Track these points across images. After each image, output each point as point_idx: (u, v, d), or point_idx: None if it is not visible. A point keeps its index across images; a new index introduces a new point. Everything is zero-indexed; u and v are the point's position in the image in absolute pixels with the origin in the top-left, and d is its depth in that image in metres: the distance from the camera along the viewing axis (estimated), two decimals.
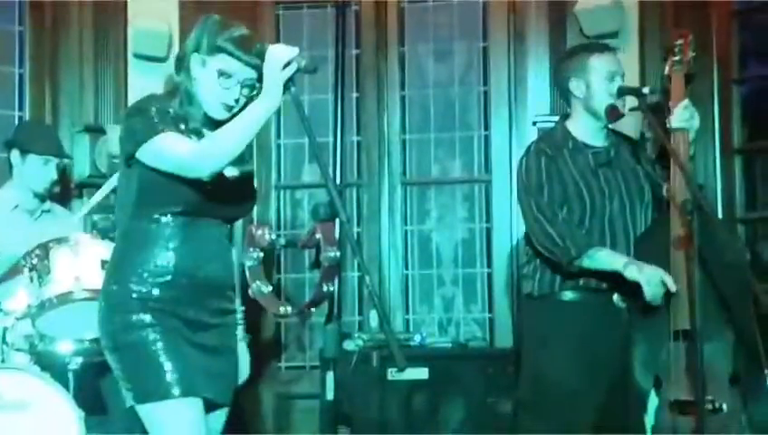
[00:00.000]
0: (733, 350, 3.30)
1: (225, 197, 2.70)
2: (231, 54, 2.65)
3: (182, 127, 2.67)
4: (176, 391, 2.59)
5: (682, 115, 3.41)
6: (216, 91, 2.68)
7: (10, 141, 4.54)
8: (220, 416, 2.80)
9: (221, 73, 2.66)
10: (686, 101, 3.42)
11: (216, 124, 2.69)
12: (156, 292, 2.66)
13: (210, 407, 2.71)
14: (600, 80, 3.49)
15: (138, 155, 2.65)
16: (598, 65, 3.50)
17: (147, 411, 2.64)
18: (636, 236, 3.51)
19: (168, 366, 2.61)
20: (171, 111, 2.67)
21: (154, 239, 2.68)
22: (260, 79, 2.59)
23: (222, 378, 2.75)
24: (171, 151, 2.60)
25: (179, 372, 2.61)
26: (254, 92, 2.65)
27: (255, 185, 2.90)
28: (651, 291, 3.27)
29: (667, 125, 3.42)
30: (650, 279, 3.27)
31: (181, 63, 2.73)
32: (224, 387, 2.76)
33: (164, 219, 2.69)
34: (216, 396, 2.72)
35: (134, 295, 2.66)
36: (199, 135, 2.68)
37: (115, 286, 2.72)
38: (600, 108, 3.50)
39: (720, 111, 4.92)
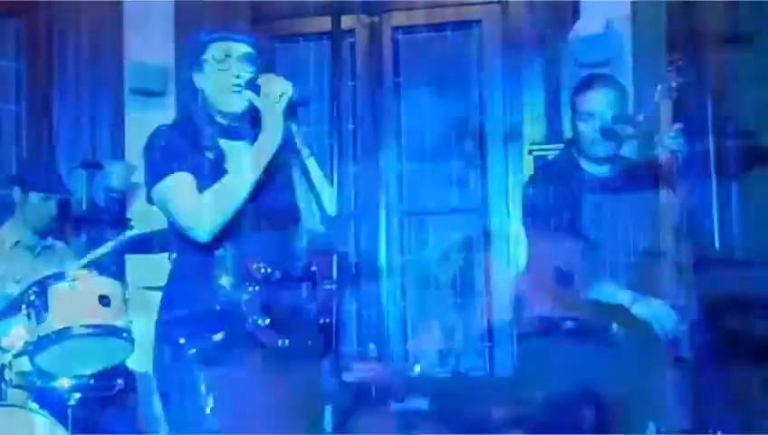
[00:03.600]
0: (731, 377, 3.31)
1: (270, 209, 2.60)
2: (219, 39, 2.63)
3: (197, 146, 2.58)
4: None
5: (670, 142, 3.42)
6: (220, 79, 2.61)
7: (12, 179, 4.56)
8: None
9: (219, 59, 2.61)
10: (675, 127, 3.43)
11: (229, 133, 2.63)
12: (207, 332, 2.53)
13: None
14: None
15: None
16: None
17: None
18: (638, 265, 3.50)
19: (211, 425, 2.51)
20: (180, 138, 2.59)
21: (206, 271, 2.55)
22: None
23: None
24: (174, 206, 2.55)
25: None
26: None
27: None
28: (660, 326, 3.27)
29: (657, 151, 3.43)
30: (658, 314, 3.28)
31: (188, 86, 2.68)
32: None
33: (214, 250, 2.55)
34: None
35: (185, 336, 2.53)
36: (216, 149, 2.60)
37: (166, 323, 2.61)
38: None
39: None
